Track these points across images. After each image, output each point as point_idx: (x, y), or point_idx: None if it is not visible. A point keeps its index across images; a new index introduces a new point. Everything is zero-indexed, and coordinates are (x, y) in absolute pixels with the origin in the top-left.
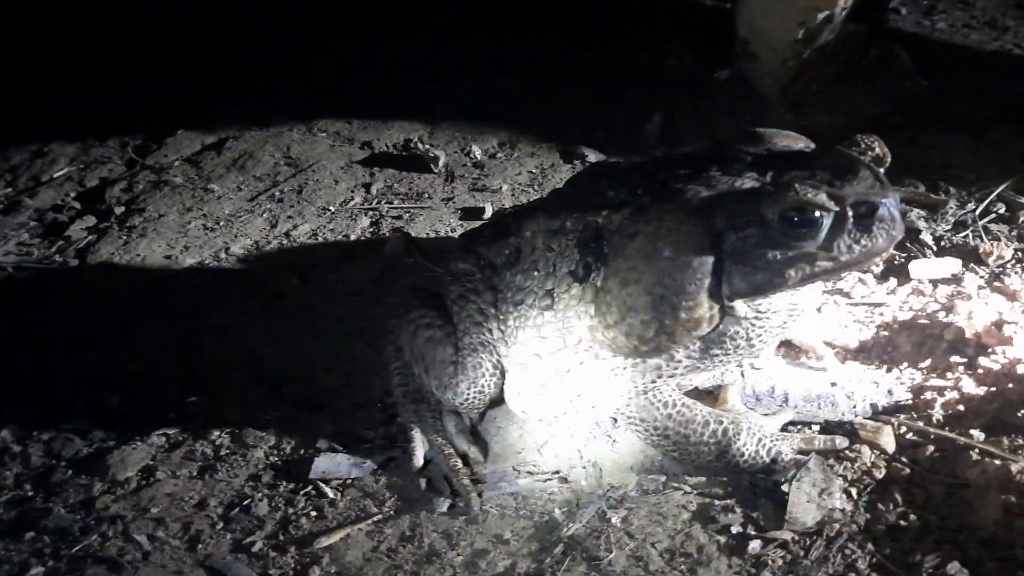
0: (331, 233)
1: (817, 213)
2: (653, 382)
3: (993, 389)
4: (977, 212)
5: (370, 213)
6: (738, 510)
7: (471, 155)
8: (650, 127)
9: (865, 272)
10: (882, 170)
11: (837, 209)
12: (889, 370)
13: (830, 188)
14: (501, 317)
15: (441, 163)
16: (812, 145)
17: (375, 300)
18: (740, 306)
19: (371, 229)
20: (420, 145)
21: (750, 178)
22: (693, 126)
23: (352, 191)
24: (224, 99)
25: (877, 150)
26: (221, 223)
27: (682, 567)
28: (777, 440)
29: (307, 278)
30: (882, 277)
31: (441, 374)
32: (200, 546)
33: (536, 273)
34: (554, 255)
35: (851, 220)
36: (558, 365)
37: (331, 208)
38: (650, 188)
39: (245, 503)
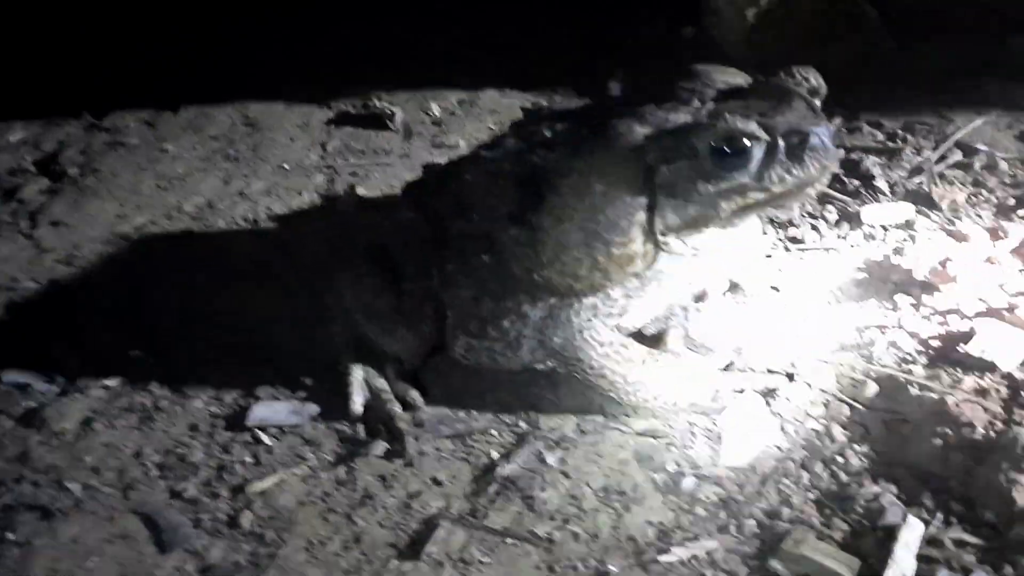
0: (285, 191)
1: (747, 143)
2: (589, 321)
3: (936, 326)
4: (933, 158)
5: (325, 171)
6: (675, 449)
7: (430, 112)
8: (613, 84)
9: (802, 207)
10: (817, 101)
11: (768, 139)
12: (835, 310)
13: (761, 118)
14: (442, 263)
15: (399, 120)
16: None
17: (324, 253)
18: (675, 242)
19: (326, 186)
20: (378, 103)
21: (684, 112)
22: (657, 84)
23: (308, 149)
24: (182, 61)
25: (812, 81)
26: (174, 182)
27: (615, 504)
28: (715, 379)
29: (258, 233)
30: (835, 223)
31: (382, 321)
32: (133, 493)
33: (476, 217)
34: (493, 198)
35: (782, 150)
36: (497, 308)
37: (286, 166)
38: (586, 127)
39: (180, 452)
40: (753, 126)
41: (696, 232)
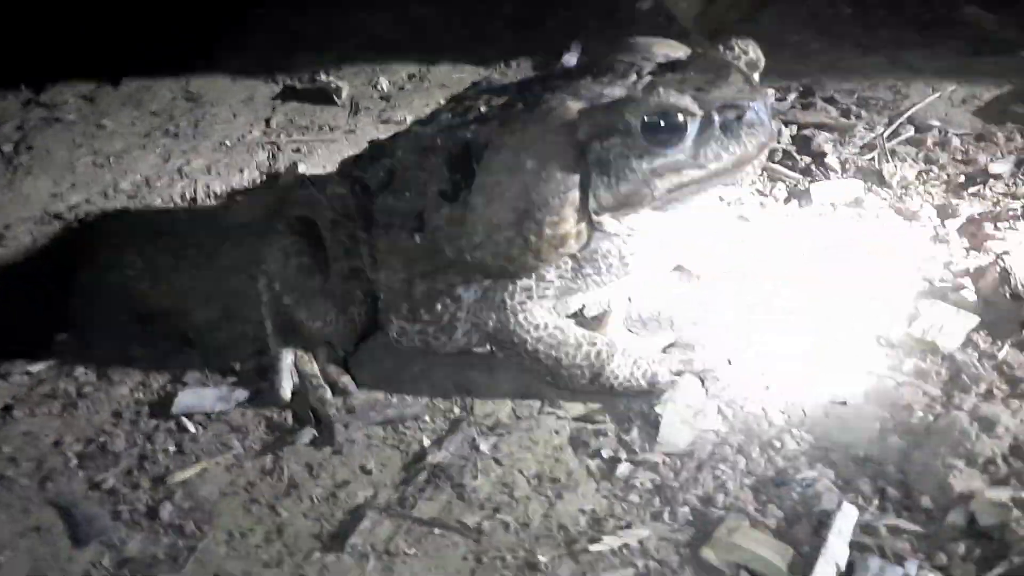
0: (226, 168)
1: (681, 118)
2: (523, 303)
3: (880, 306)
4: (885, 134)
5: (268, 147)
6: (611, 434)
7: (378, 87)
8: (567, 56)
9: (752, 184)
10: (756, 75)
11: (702, 113)
12: (778, 291)
13: (695, 92)
14: (372, 242)
15: (345, 95)
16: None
17: (263, 232)
18: (609, 222)
19: (268, 163)
20: (325, 77)
21: (620, 87)
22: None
23: (251, 125)
24: (124, 34)
25: (751, 54)
26: (111, 159)
27: (548, 492)
28: (654, 362)
29: (195, 213)
30: (784, 201)
31: (310, 303)
32: (51, 484)
33: (407, 194)
34: (424, 175)
35: (718, 125)
36: (429, 290)
37: (228, 142)
38: (521, 101)
39: (102, 440)
40: (687, 100)
41: (631, 211)
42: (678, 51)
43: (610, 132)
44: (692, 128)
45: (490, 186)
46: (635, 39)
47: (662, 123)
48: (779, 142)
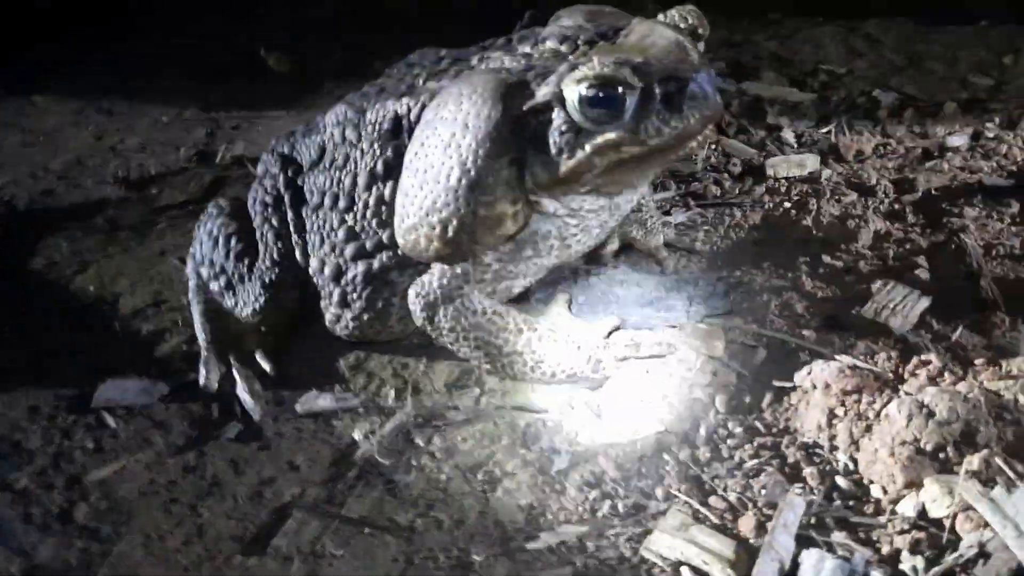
0: (161, 146)
1: (620, 90)
2: (460, 288)
3: (832, 287)
4: (842, 107)
5: (206, 123)
6: (551, 424)
7: (327, 60)
8: (520, 25)
9: (705, 160)
10: (700, 44)
11: (641, 85)
12: (731, 271)
13: (635, 63)
14: (302, 224)
15: (289, 70)
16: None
17: (198, 214)
18: (548, 201)
19: (206, 141)
20: (268, 51)
21: (558, 58)
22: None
23: (189, 101)
24: (54, 6)
25: (692, 21)
26: (41, 138)
27: (484, 487)
28: (598, 349)
29: (129, 194)
30: (738, 177)
31: (239, 289)
32: None
33: (337, 173)
34: (355, 151)
35: (659, 98)
36: (362, 276)
37: (164, 119)
38: (455, 72)
39: (16, 437)
40: (626, 72)
41: (570, 190)
42: (621, 20)
43: (547, 106)
44: (631, 101)
45: (420, 163)
46: (577, 7)
47: (600, 96)
48: (726, 116)
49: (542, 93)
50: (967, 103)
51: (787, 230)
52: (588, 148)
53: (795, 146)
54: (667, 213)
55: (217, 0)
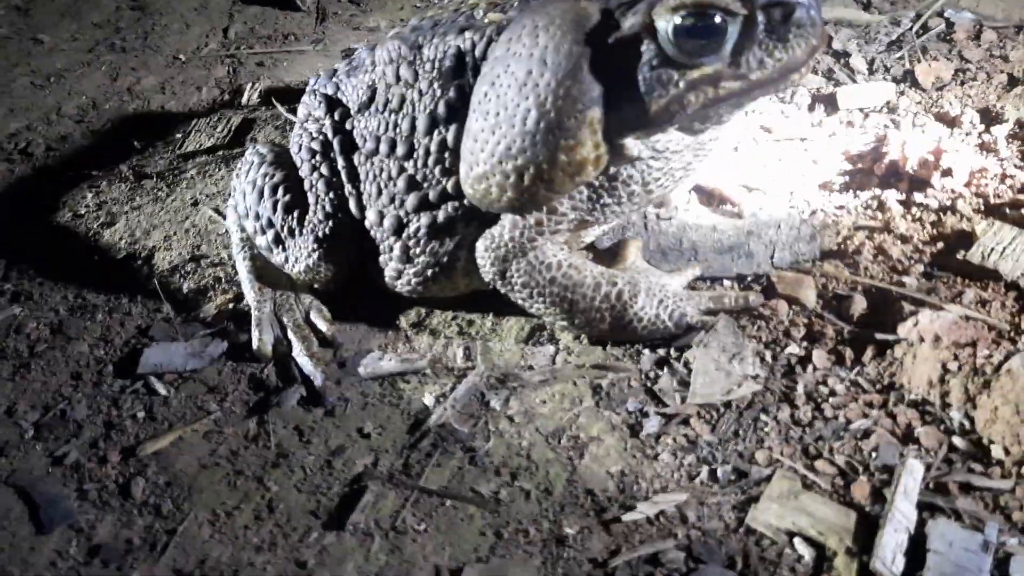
0: (181, 86)
1: (719, 19)
2: (533, 240)
3: (929, 229)
4: (914, 30)
5: (227, 61)
6: (636, 384)
7: None
8: None
9: (783, 96)
10: None
11: (745, 12)
12: (813, 213)
13: None
14: (355, 172)
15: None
16: None
17: (229, 160)
18: (632, 143)
19: (228, 79)
20: None
21: None
22: None
23: (207, 36)
24: None
25: None
26: (52, 80)
27: (569, 454)
28: (681, 301)
29: (151, 138)
30: (808, 108)
31: (289, 244)
32: (5, 460)
33: (392, 116)
34: (412, 92)
35: (762, 27)
36: (426, 226)
37: (181, 57)
38: (523, 2)
39: (61, 407)
40: None
41: (658, 131)
42: None
43: (636, 38)
44: (732, 30)
45: (491, 105)
46: None
47: (697, 25)
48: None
49: (629, 24)
50: None
51: (870, 166)
52: (683, 85)
53: (866, 74)
54: (735, 150)
55: None
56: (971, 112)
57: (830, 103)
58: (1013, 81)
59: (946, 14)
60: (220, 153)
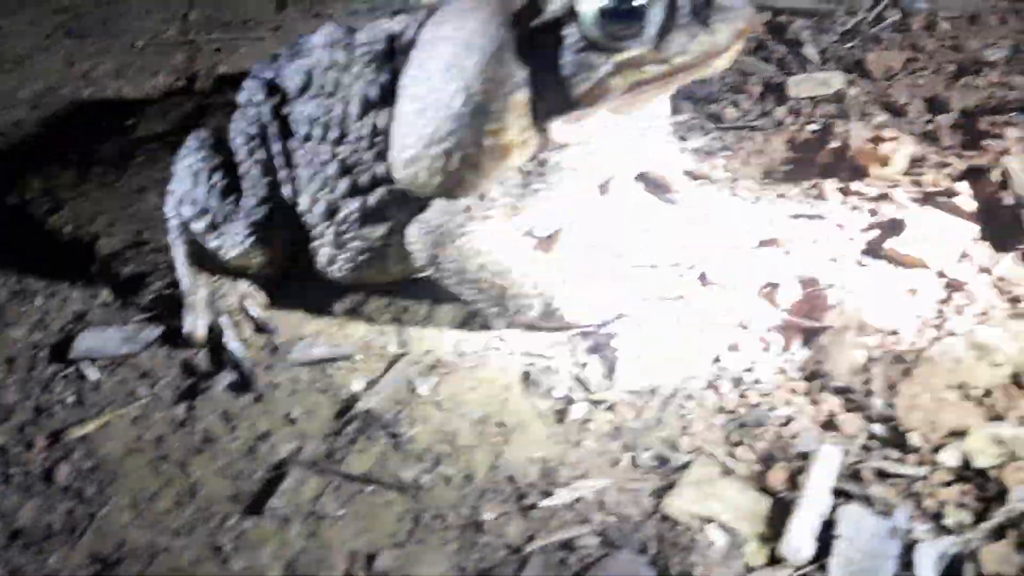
0: (137, 72)
1: (641, 2)
2: (463, 226)
3: (866, 216)
4: (868, 19)
5: (185, 47)
6: (564, 371)
7: None
8: None
9: (731, 84)
10: None
11: None
12: (754, 201)
13: None
14: (290, 158)
15: None
16: None
17: (178, 146)
18: (560, 129)
19: (184, 65)
20: None
21: None
22: None
23: (166, 22)
24: None
25: None
26: (9, 65)
27: (494, 439)
28: (613, 288)
29: (104, 124)
30: (758, 98)
31: (224, 230)
32: None
33: (326, 101)
34: (346, 76)
35: (684, 10)
36: (357, 212)
37: (139, 43)
38: None
39: None
40: None
41: (585, 115)
42: None
43: (559, 23)
44: (655, 14)
45: (418, 89)
46: None
47: (619, 9)
48: (755, 30)
49: (553, 7)
50: (1004, 13)
51: (813, 155)
52: (606, 68)
53: (818, 63)
54: (683, 138)
55: None
56: (918, 102)
57: (779, 92)
58: (962, 71)
59: (901, 4)
60: (171, 139)
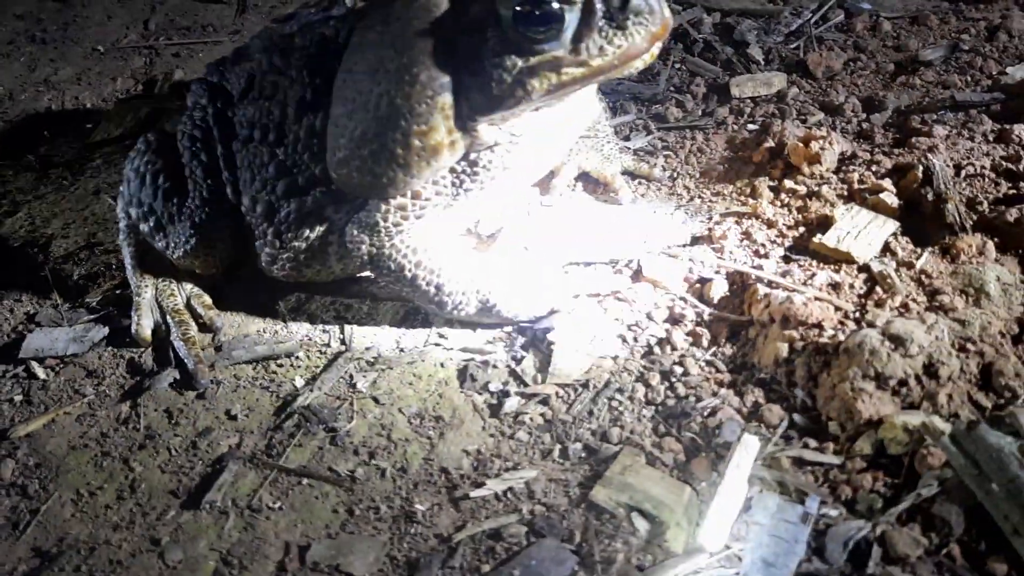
0: (97, 77)
1: (557, 6)
2: (399, 225)
3: (795, 214)
4: (812, 20)
5: (145, 52)
6: (500, 365)
7: None
8: None
9: (668, 80)
10: None
11: (582, 0)
12: (690, 199)
13: None
14: (233, 160)
15: None
16: None
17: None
18: (487, 129)
19: (144, 70)
20: None
21: None
22: None
23: (127, 28)
24: None
25: None
26: None
27: (430, 433)
28: (548, 285)
29: (62, 129)
30: (702, 98)
31: (169, 230)
32: None
33: (266, 103)
34: (284, 79)
35: (600, 14)
36: (296, 212)
37: (100, 48)
38: None
39: None
40: None
41: (510, 116)
42: None
43: (481, 25)
44: (571, 18)
45: (348, 91)
46: None
47: (536, 12)
48: (693, 33)
49: (475, 10)
50: (946, 14)
51: (750, 153)
52: (525, 70)
53: (762, 63)
54: (626, 139)
55: None
56: (854, 100)
57: (723, 93)
58: (900, 70)
59: (846, 5)
60: (127, 143)
